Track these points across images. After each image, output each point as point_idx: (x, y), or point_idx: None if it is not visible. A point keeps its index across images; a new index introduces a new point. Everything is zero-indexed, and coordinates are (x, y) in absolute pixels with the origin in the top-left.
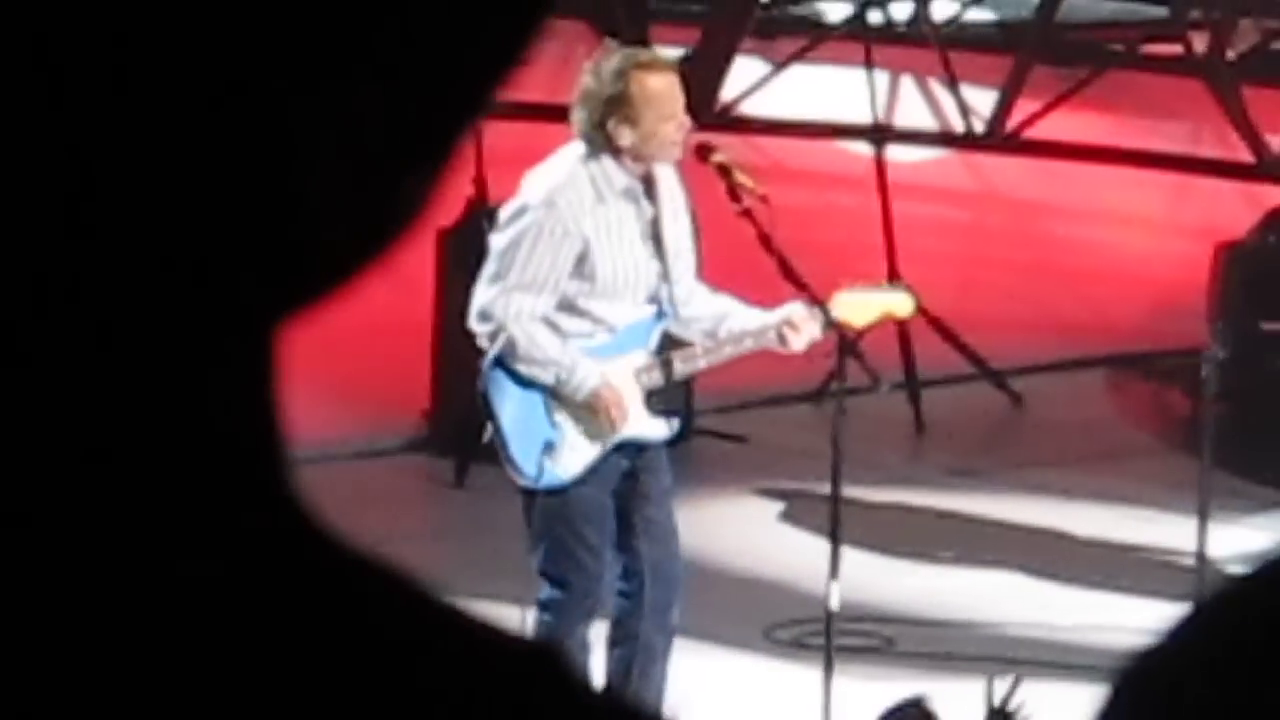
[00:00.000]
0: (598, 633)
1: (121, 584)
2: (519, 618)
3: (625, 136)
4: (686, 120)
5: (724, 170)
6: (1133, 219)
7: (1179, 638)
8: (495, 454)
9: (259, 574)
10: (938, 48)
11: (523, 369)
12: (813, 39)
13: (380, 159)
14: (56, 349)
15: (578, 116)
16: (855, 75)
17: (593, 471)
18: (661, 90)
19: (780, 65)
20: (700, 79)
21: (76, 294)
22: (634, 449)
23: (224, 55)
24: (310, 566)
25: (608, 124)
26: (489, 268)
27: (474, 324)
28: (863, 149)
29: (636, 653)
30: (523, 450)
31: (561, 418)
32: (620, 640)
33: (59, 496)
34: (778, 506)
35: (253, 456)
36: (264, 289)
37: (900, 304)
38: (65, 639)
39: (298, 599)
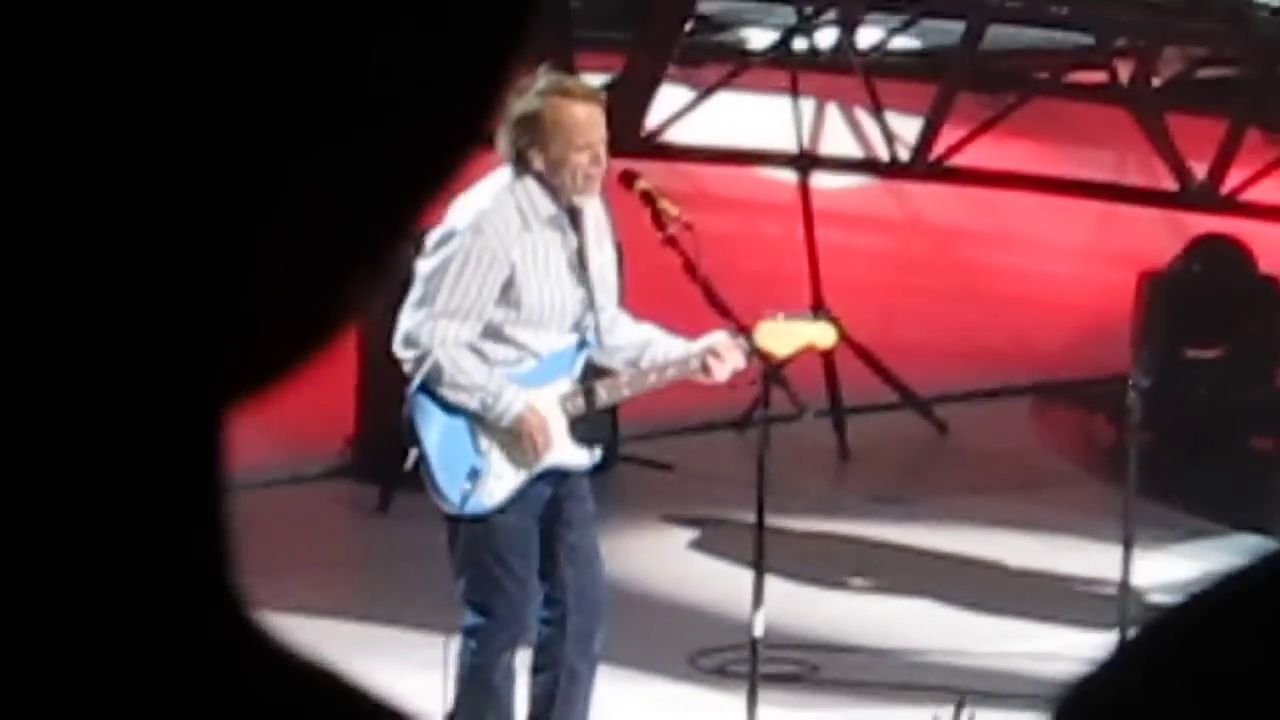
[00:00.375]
0: (521, 660)
1: (57, 678)
2: (442, 645)
3: (536, 160)
4: (603, 154)
5: (648, 198)
6: (1058, 247)
7: (1109, 670)
8: (419, 480)
9: (199, 687)
10: (863, 75)
11: (448, 395)
12: (738, 66)
13: (327, 255)
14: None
15: (500, 139)
16: (780, 102)
17: (517, 499)
18: (578, 119)
19: (705, 92)
20: (625, 106)
21: (19, 389)
22: (558, 476)
23: (181, 154)
24: (250, 680)
25: (520, 146)
26: (415, 293)
27: (399, 350)
28: (788, 176)
29: (560, 680)
30: (448, 477)
31: (487, 444)
32: (544, 667)
33: None
34: (702, 534)
35: (196, 556)
36: (209, 383)
37: (822, 335)
38: None
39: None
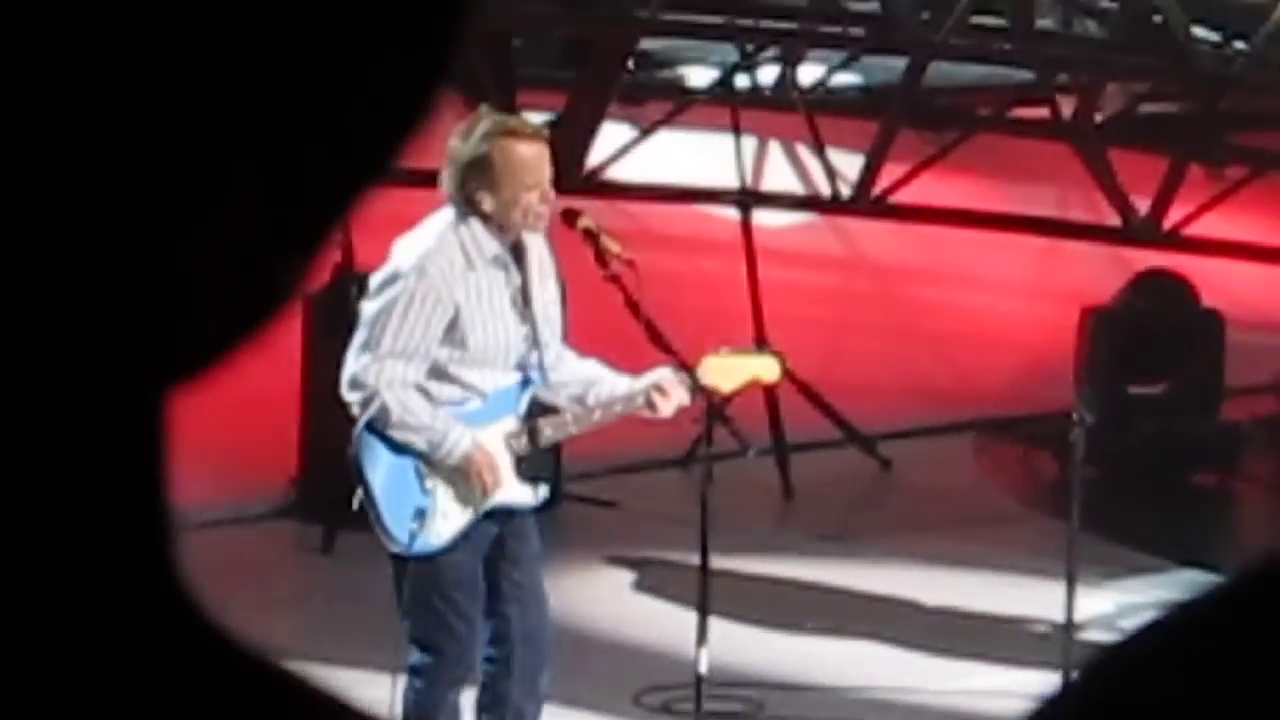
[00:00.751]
0: (467, 698)
1: None
2: (388, 684)
3: (486, 202)
4: (551, 191)
5: (591, 235)
6: (1001, 283)
7: (1052, 709)
8: (363, 520)
9: (135, 666)
10: (804, 112)
11: (395, 435)
12: (680, 104)
13: (259, 244)
14: None
15: (445, 179)
16: (722, 140)
17: (464, 538)
18: (526, 158)
19: (647, 130)
20: (567, 144)
21: None
22: (505, 515)
23: (108, 141)
24: (187, 656)
25: (470, 188)
26: (360, 335)
27: (346, 392)
28: (730, 213)
29: (506, 718)
30: (394, 517)
31: (433, 484)
32: (490, 705)
33: None
34: (646, 572)
35: (137, 533)
36: (143, 365)
37: (767, 369)
38: None
39: (170, 690)
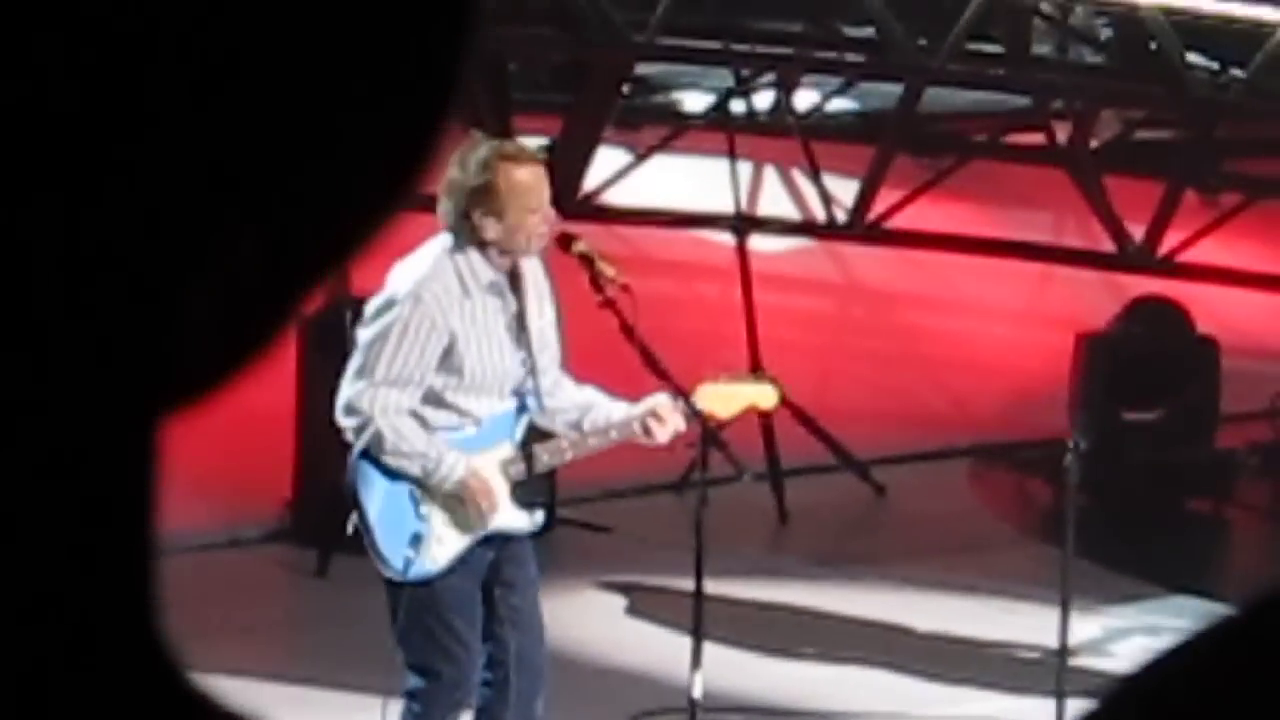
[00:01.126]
0: None
1: None
2: (379, 708)
3: (490, 229)
4: (551, 212)
5: (586, 260)
6: (995, 309)
7: None
8: (358, 544)
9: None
10: (800, 137)
11: (390, 462)
12: (675, 129)
13: (257, 287)
14: None
15: (443, 208)
16: (718, 165)
17: (460, 563)
18: (527, 182)
19: (643, 155)
20: (563, 169)
21: None
22: (500, 540)
23: (111, 177)
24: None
25: (473, 216)
26: (355, 361)
27: (341, 418)
28: (725, 238)
29: None
30: (390, 543)
31: (429, 510)
32: None
33: None
34: (641, 597)
35: (124, 570)
36: (138, 394)
37: (764, 396)
38: None
39: None
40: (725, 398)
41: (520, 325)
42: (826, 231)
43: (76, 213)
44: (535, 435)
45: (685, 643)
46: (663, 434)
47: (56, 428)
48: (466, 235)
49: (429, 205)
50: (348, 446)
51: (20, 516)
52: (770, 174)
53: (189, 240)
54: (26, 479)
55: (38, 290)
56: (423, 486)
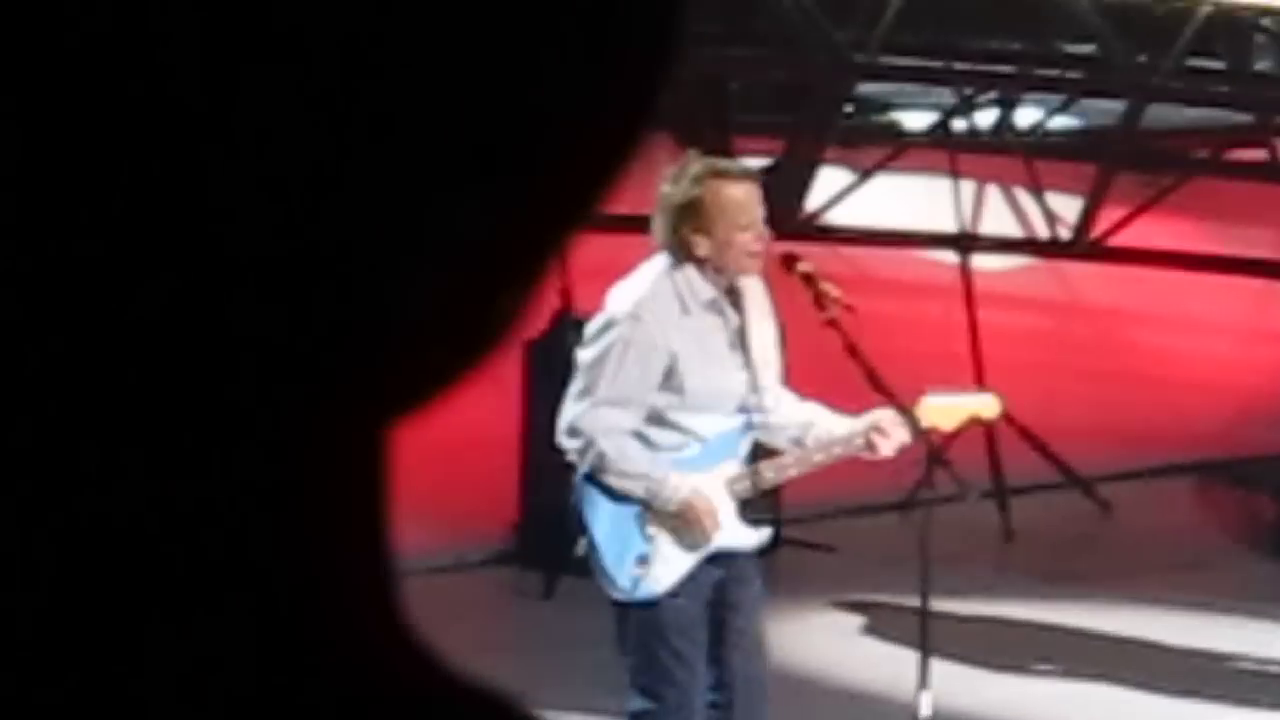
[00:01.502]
0: None
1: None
2: None
3: (701, 245)
4: (765, 231)
5: (809, 280)
6: (1217, 325)
7: None
8: (584, 565)
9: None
10: (1022, 155)
11: (613, 483)
12: (897, 148)
13: (479, 276)
14: (156, 460)
15: (657, 225)
16: (940, 183)
17: (686, 583)
18: (737, 199)
19: (865, 174)
20: (784, 189)
21: (181, 407)
22: (726, 559)
23: (334, 170)
24: (412, 696)
25: (683, 232)
26: (576, 383)
27: (563, 440)
28: (948, 257)
29: None
30: (616, 563)
31: (654, 530)
32: None
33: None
34: (865, 616)
35: (357, 568)
36: (363, 400)
37: (986, 406)
38: None
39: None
40: (948, 410)
41: (741, 343)
42: (1049, 249)
43: (291, 204)
44: (759, 453)
45: (911, 662)
46: (886, 448)
47: (279, 441)
48: (680, 253)
49: (645, 226)
50: (572, 468)
51: (253, 534)
52: (992, 192)
53: (407, 231)
54: (252, 497)
55: (250, 295)
56: (648, 507)
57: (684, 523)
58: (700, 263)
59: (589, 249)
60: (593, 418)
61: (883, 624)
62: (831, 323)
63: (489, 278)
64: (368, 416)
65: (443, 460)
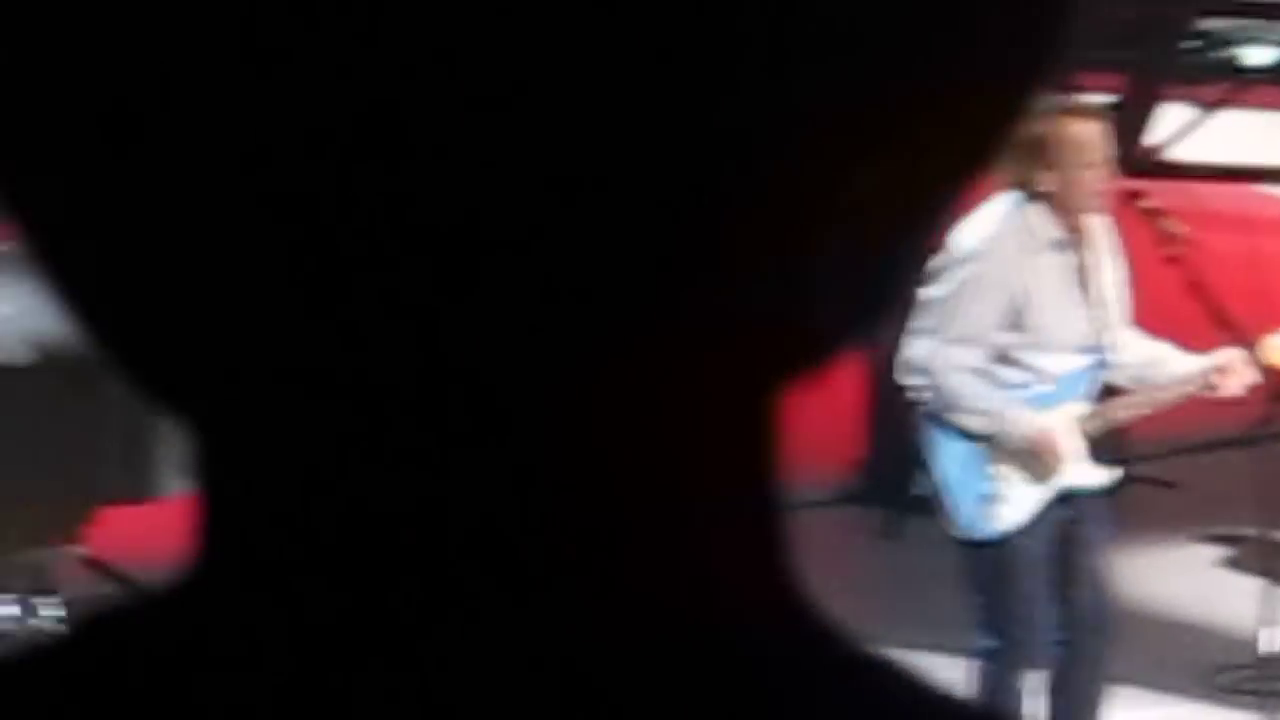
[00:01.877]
0: (1036, 681)
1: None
2: (959, 668)
3: (1045, 182)
4: (1110, 170)
5: (1152, 216)
6: None
7: None
8: (925, 504)
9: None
10: None
11: (958, 420)
12: (1238, 84)
13: (878, 239)
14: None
15: (1001, 165)
16: None
17: (1034, 522)
18: (1081, 137)
19: (1207, 110)
20: (1126, 125)
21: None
22: (1074, 498)
23: (736, 146)
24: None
25: (1028, 169)
26: (921, 320)
27: (907, 377)
28: None
29: (1073, 702)
30: (961, 502)
31: (999, 468)
32: (1059, 689)
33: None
34: (1211, 552)
35: (755, 524)
36: (765, 364)
37: None
38: None
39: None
40: None
41: (1086, 280)
42: None
43: (699, 180)
44: (1106, 391)
45: (1257, 596)
46: (1232, 385)
47: (693, 400)
48: (1025, 190)
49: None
50: (915, 406)
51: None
52: None
53: (811, 195)
54: (657, 459)
55: (651, 264)
56: (992, 444)
57: (1030, 460)
58: (1046, 200)
59: None
60: (937, 355)
61: (1229, 559)
62: (1173, 259)
63: (892, 233)
64: (770, 376)
65: (788, 400)
